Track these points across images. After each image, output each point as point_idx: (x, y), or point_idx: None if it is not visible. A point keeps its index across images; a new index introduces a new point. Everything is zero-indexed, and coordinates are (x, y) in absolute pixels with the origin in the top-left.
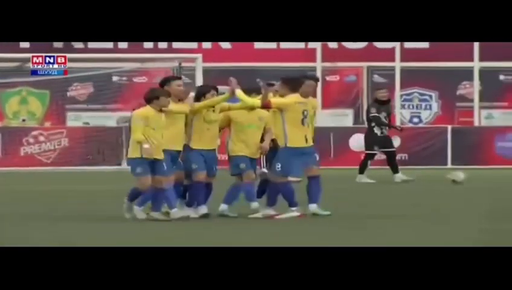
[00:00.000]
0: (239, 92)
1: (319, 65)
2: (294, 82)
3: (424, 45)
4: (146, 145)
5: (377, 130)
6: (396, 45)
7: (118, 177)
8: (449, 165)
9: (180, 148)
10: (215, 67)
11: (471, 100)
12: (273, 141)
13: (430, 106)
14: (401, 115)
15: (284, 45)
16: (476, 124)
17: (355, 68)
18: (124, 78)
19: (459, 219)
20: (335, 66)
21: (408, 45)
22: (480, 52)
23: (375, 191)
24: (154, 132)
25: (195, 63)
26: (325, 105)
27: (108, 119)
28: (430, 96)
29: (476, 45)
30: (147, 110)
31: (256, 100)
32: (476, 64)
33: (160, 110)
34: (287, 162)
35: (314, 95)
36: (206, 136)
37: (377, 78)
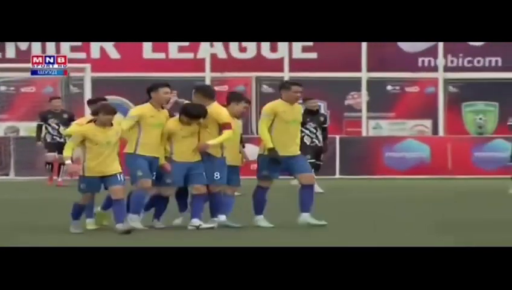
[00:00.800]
0: (214, 142)
1: (208, 75)
2: (208, 89)
3: (312, 55)
4: (68, 161)
5: (306, 140)
6: (285, 55)
7: (5, 187)
8: (337, 175)
9: (157, 154)
10: (104, 78)
11: (359, 110)
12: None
13: None
14: None
15: (173, 55)
16: (364, 134)
17: (244, 78)
18: (12, 88)
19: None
20: (224, 76)
21: (296, 55)
22: (367, 63)
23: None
24: (99, 147)
25: (84, 73)
26: None
27: None
28: (319, 106)
29: (364, 55)
30: (86, 127)
31: (229, 133)
32: (364, 75)
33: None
34: (224, 171)
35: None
36: (186, 148)
37: (265, 88)
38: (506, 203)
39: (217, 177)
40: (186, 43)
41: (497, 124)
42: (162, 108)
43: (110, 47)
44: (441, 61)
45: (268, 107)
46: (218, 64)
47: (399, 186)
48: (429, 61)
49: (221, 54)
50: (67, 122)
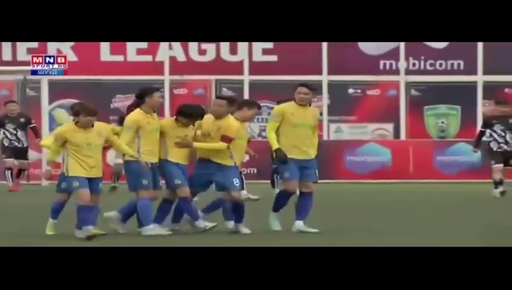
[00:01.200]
0: (199, 145)
1: (167, 78)
2: (233, 100)
3: (273, 58)
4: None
5: None
6: (245, 58)
7: None
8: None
9: (157, 160)
10: (61, 80)
11: (320, 114)
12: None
13: None
14: (250, 128)
15: (131, 57)
16: (325, 138)
17: (204, 81)
18: None
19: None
20: (183, 79)
21: (256, 58)
22: (328, 66)
23: None
24: (80, 149)
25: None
26: None
27: None
28: None
29: (325, 58)
30: (65, 128)
31: (222, 146)
32: (325, 78)
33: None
34: (240, 177)
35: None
36: (177, 150)
37: (225, 91)
38: (469, 207)
39: (236, 183)
40: (145, 46)
41: (459, 127)
42: (154, 112)
43: (67, 49)
44: (402, 64)
45: (277, 108)
46: (177, 67)
47: (360, 191)
48: (391, 64)
49: (181, 57)
50: (24, 126)
